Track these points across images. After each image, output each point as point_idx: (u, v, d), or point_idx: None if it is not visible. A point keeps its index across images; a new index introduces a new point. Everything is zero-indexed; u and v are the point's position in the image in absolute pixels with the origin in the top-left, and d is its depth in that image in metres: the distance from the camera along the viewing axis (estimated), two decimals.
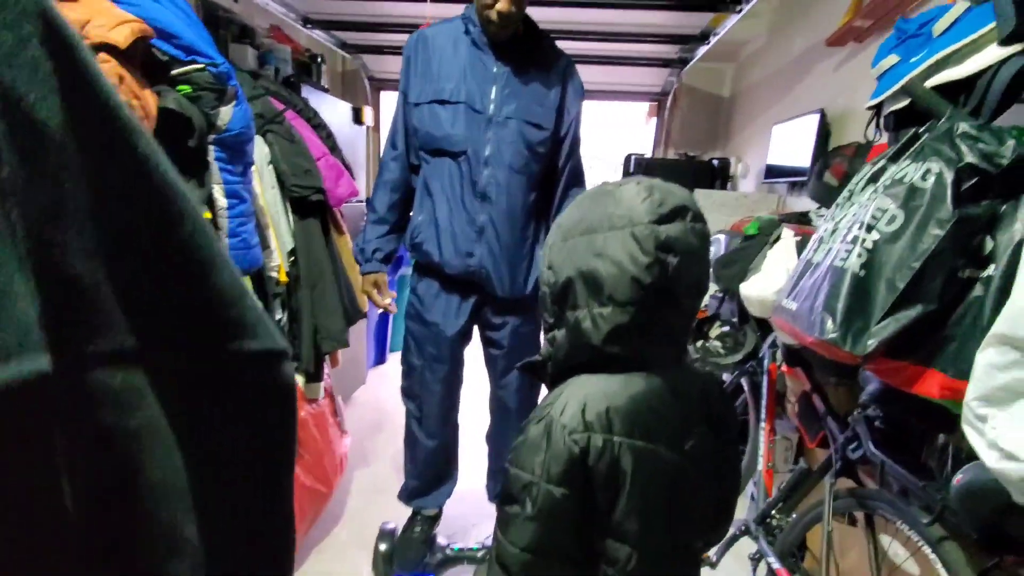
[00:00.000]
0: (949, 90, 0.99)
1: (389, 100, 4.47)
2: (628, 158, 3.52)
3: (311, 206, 1.63)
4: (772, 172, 2.69)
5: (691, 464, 0.69)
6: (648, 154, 3.95)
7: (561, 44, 1.51)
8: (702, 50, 3.00)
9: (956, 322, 0.88)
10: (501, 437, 1.65)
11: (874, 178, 1.00)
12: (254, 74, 1.69)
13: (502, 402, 1.59)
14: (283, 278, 1.52)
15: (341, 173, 1.77)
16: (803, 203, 2.34)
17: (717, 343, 1.81)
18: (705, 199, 2.78)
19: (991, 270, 0.84)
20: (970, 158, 0.84)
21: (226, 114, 1.12)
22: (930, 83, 1.00)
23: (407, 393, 1.56)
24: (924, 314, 0.88)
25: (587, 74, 1.64)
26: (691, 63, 3.25)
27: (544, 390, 0.77)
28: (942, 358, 0.90)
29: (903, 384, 0.96)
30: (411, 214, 1.49)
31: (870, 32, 1.96)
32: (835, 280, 0.95)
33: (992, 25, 0.92)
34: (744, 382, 1.89)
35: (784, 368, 1.75)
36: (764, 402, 1.71)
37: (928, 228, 0.86)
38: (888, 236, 0.91)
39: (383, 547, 1.58)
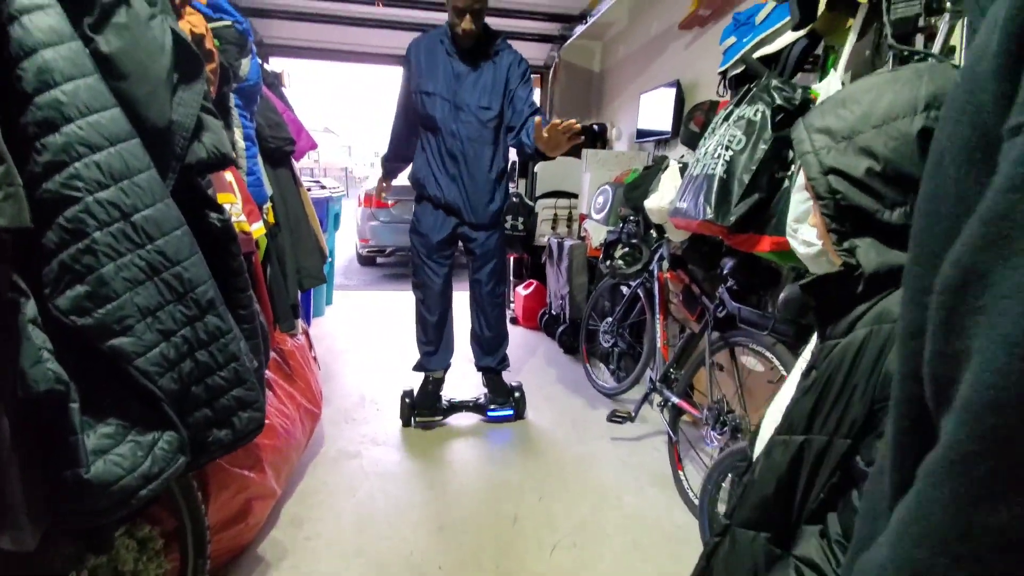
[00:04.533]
0: (766, 61, 1.55)
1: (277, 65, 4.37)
2: None
3: (282, 157, 1.81)
4: (642, 134, 3.31)
5: None
6: None
7: None
8: (580, 28, 3.52)
9: (775, 204, 1.45)
10: (476, 323, 2.29)
11: (726, 118, 1.53)
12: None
13: (475, 292, 2.23)
14: (271, 219, 1.70)
15: (301, 128, 1.95)
16: (670, 155, 2.96)
17: (620, 261, 2.34)
18: (592, 158, 3.33)
19: (791, 171, 1.41)
20: (779, 101, 1.40)
21: (246, 65, 1.31)
22: (755, 55, 1.56)
23: (415, 285, 2.21)
24: (759, 199, 1.43)
25: None
26: (569, 40, 3.77)
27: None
28: (769, 227, 1.47)
29: (749, 247, 1.52)
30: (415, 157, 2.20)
31: (710, 19, 2.59)
32: (708, 183, 1.47)
33: (788, 18, 1.49)
34: (640, 292, 2.46)
35: (668, 274, 2.35)
36: (657, 300, 2.30)
37: (759, 144, 1.41)
38: (737, 151, 1.44)
39: (407, 400, 2.20)
